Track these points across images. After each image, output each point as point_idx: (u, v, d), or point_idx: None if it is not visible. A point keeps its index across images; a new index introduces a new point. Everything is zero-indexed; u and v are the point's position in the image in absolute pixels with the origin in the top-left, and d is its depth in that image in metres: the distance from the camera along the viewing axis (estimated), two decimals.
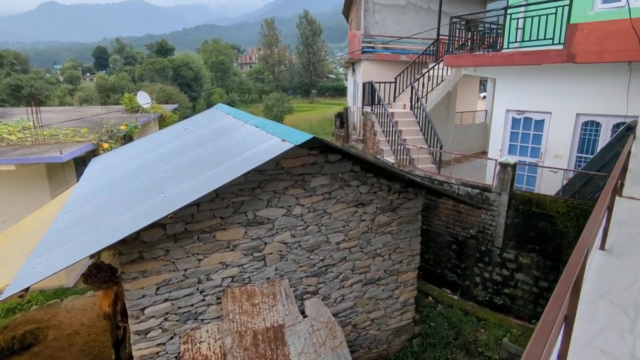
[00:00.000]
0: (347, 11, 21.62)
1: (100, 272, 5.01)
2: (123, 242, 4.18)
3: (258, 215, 4.97)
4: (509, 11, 8.60)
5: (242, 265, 5.05)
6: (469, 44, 10.60)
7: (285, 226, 5.22)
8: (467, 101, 15.99)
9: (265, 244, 5.14)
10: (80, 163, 9.51)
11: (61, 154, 7.78)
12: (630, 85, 6.91)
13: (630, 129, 6.28)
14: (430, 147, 10.28)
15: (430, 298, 8.50)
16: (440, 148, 9.84)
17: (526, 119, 8.73)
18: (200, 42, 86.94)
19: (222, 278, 4.96)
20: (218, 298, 4.99)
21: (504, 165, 7.38)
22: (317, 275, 5.73)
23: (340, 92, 66.49)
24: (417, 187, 6.23)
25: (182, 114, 38.71)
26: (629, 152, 5.33)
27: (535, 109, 8.47)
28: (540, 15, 7.63)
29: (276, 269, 5.32)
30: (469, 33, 10.98)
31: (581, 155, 8.04)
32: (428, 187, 6.29)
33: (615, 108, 7.26)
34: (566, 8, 7.15)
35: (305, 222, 5.37)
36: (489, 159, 8.75)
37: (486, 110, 15.76)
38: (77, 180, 8.26)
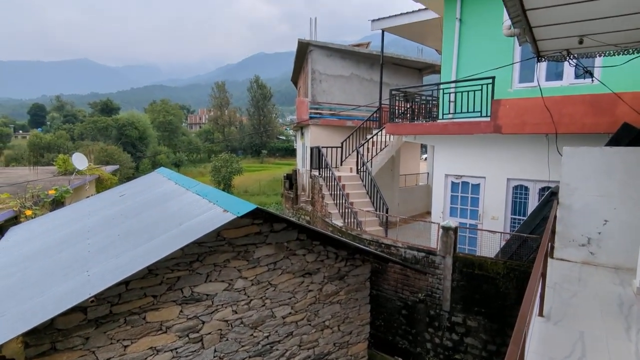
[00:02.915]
0: (295, 78, 22.77)
1: None
2: (32, 331, 3.60)
3: (196, 292, 4.58)
4: (441, 86, 9.44)
5: (175, 349, 4.52)
6: (409, 114, 11.37)
7: (226, 302, 4.84)
8: (410, 164, 16.89)
9: (203, 323, 4.70)
10: None
11: None
12: (549, 153, 7.65)
13: (554, 194, 6.82)
14: (376, 209, 10.48)
15: None
16: (387, 211, 10.05)
17: (464, 183, 9.26)
18: (148, 101, 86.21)
19: None
20: None
21: (445, 229, 7.61)
22: (261, 355, 5.27)
23: (291, 152, 67.85)
24: (364, 253, 6.19)
25: (124, 174, 37.10)
26: (555, 217, 5.73)
27: (471, 174, 9.04)
28: (468, 91, 8.44)
29: (215, 351, 4.83)
30: (408, 103, 11.84)
31: (515, 217, 8.55)
32: (374, 253, 6.26)
33: (539, 173, 7.93)
34: (490, 86, 7.99)
35: (248, 296, 5.03)
36: (432, 222, 9.04)
37: (428, 173, 16.65)
38: None
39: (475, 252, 8.56)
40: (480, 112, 8.23)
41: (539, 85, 7.06)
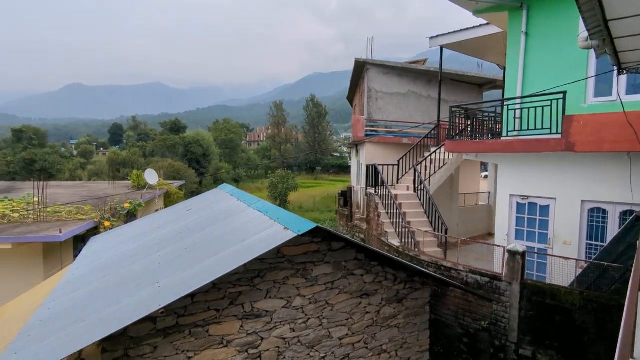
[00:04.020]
0: (351, 97, 22.98)
1: None
2: (109, 338, 3.88)
3: (256, 308, 4.68)
4: (506, 102, 9.01)
5: None
6: (469, 131, 10.95)
7: (284, 319, 4.89)
8: (469, 183, 16.15)
9: (262, 339, 4.77)
10: (80, 241, 9.36)
11: (60, 233, 7.68)
12: (632, 174, 6.94)
13: (639, 219, 6.15)
14: (435, 230, 10.11)
15: None
16: (446, 232, 9.66)
17: (531, 204, 8.65)
18: (212, 121, 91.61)
19: None
20: None
21: (512, 253, 7.13)
22: None
23: (344, 169, 68.15)
24: (424, 276, 5.97)
25: (189, 189, 39.40)
26: None
27: (540, 195, 8.43)
28: (536, 107, 7.96)
29: None
30: (469, 120, 11.42)
31: (591, 242, 7.80)
32: (435, 277, 6.02)
33: (620, 196, 7.20)
34: (560, 101, 7.48)
35: (305, 315, 5.04)
36: (496, 245, 8.51)
37: (489, 192, 15.82)
38: (74, 260, 8.05)
39: (544, 280, 7.91)
40: (550, 128, 7.71)
41: (620, 99, 6.49)
